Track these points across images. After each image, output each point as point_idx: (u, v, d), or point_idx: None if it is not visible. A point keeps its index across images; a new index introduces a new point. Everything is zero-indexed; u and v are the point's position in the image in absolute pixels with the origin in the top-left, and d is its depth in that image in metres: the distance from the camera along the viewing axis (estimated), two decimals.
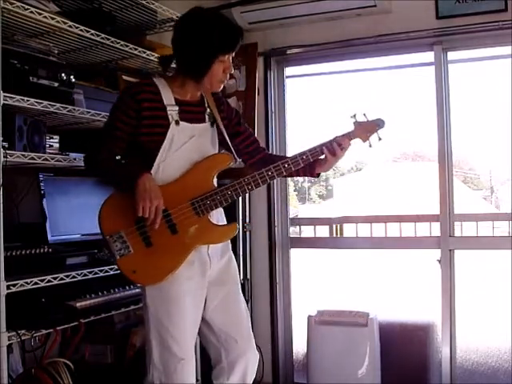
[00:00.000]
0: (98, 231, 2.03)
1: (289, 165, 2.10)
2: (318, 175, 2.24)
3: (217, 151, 2.20)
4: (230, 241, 2.25)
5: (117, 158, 2.12)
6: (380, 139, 2.16)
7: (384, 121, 2.16)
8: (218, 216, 2.16)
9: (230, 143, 2.21)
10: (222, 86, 2.14)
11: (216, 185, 2.13)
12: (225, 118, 2.24)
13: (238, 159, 2.23)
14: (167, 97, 2.08)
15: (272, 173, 2.09)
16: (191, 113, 2.13)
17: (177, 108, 2.07)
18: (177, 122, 2.06)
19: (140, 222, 1.98)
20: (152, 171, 2.02)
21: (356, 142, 2.17)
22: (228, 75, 2.12)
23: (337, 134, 2.16)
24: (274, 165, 2.10)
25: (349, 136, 2.15)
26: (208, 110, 2.18)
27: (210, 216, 2.08)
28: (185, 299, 2.06)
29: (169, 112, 2.06)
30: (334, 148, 2.12)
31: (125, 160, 2.13)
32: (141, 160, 2.06)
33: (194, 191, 2.05)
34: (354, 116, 2.16)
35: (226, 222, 2.22)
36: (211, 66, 2.04)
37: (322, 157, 2.17)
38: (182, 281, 2.05)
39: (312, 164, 2.18)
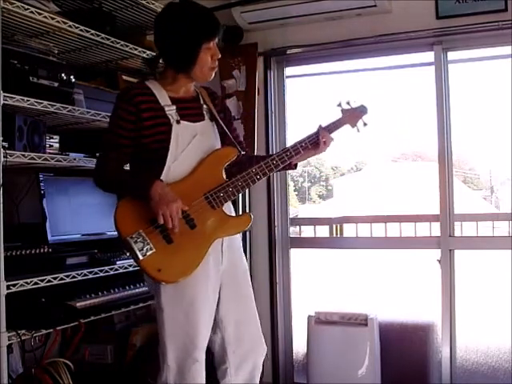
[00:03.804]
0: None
1: (291, 153, 2.17)
2: (296, 166, 2.31)
3: (220, 146, 2.21)
4: (241, 238, 2.30)
5: (125, 167, 2.14)
6: (365, 125, 2.28)
7: (367, 107, 2.29)
8: (229, 208, 2.17)
9: (231, 136, 2.23)
10: (213, 74, 2.16)
11: (225, 178, 2.14)
12: (220, 111, 2.26)
13: (243, 151, 2.23)
14: (162, 97, 2.09)
15: (276, 161, 2.14)
16: (189, 109, 2.14)
17: (174, 107, 2.08)
18: (178, 122, 2.06)
19: (155, 221, 1.95)
20: (163, 172, 2.02)
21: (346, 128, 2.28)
22: (217, 62, 2.12)
23: (328, 121, 2.24)
24: (277, 153, 2.17)
25: (338, 122, 2.25)
26: (204, 106, 2.20)
27: (223, 208, 2.10)
28: (201, 299, 2.05)
29: (167, 112, 2.07)
30: (319, 139, 2.20)
31: (133, 167, 2.14)
32: (148, 163, 2.06)
33: (206, 185, 2.07)
34: (340, 104, 2.27)
35: (234, 214, 2.23)
36: (198, 54, 2.05)
37: None
38: (198, 279, 2.03)
39: None
